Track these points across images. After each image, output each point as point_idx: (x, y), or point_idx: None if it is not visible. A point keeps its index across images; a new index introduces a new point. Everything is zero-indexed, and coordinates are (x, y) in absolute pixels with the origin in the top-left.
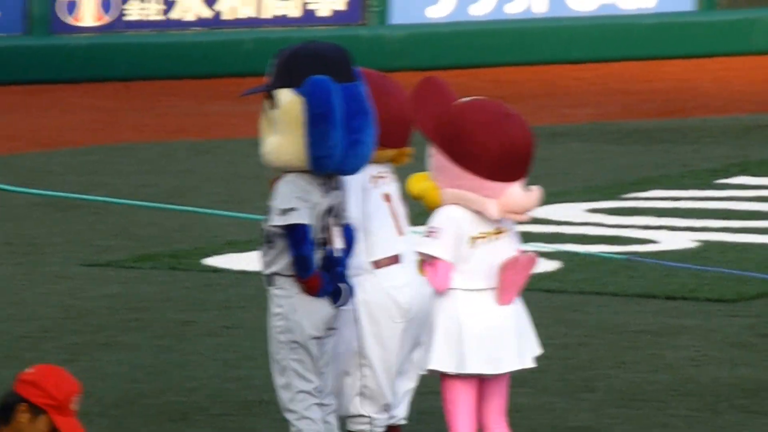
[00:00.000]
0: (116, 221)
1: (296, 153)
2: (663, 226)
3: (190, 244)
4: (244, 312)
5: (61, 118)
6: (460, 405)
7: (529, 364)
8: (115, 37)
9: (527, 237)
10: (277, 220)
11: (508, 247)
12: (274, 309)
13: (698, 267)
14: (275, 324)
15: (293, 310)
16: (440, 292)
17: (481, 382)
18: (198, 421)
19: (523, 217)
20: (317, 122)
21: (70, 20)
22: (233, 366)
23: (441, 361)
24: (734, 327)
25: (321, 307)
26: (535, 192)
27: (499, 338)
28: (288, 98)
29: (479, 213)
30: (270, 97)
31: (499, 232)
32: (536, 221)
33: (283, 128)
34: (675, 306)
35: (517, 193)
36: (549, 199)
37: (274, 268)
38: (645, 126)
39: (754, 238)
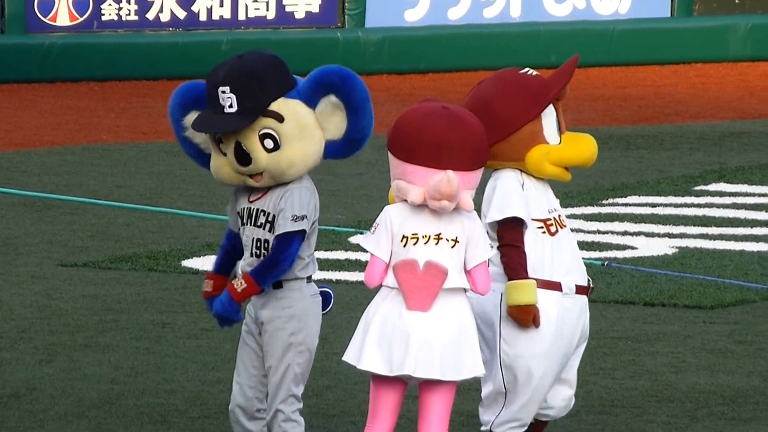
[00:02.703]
0: (93, 222)
1: (317, 153)
2: (641, 233)
3: (168, 245)
4: None
5: (36, 117)
6: (373, 403)
7: (452, 377)
8: (90, 37)
9: None
10: (294, 226)
11: (439, 255)
12: (283, 311)
13: (677, 273)
14: (284, 326)
15: (306, 312)
16: (368, 286)
17: (421, 391)
18: (176, 424)
19: (444, 204)
20: (367, 102)
21: (46, 20)
22: (212, 368)
23: (349, 354)
24: (712, 334)
25: (320, 311)
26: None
27: (402, 341)
28: (292, 105)
29: (418, 212)
30: (268, 116)
31: (438, 238)
32: None
33: (298, 135)
34: (653, 312)
35: (435, 178)
36: None
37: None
38: (621, 132)
39: (732, 245)
